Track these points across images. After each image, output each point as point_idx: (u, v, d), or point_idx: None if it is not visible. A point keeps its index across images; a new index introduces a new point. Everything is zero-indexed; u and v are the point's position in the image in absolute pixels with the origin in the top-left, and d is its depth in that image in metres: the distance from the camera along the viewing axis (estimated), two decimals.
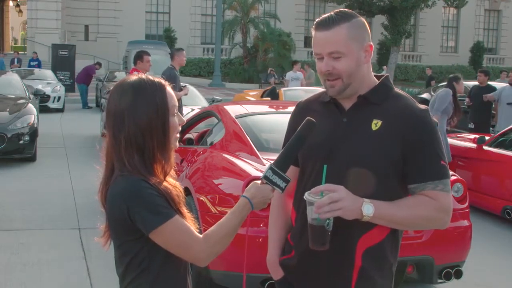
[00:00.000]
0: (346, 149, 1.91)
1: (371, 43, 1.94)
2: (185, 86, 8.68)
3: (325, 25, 1.89)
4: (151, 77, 1.82)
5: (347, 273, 1.92)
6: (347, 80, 1.90)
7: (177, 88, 8.20)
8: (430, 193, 1.86)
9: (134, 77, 1.82)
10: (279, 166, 1.81)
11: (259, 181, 1.83)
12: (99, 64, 20.59)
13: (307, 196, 1.79)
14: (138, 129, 1.74)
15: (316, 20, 1.95)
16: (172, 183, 1.84)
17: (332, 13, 1.92)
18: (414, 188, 1.89)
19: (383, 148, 1.87)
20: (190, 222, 1.79)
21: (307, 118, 1.85)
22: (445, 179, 1.89)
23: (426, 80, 24.56)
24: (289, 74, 16.61)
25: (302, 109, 2.08)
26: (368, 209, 1.79)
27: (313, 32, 1.94)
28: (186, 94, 8.44)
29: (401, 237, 2.03)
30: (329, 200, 1.75)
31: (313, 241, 1.81)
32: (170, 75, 8.16)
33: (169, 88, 1.83)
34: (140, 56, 8.12)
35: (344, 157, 1.90)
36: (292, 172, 2.01)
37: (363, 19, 1.95)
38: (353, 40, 1.88)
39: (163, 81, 1.83)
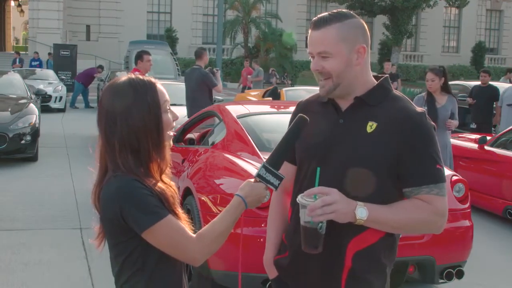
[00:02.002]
0: (341, 151, 1.90)
1: (365, 45, 1.91)
2: (218, 70, 8.75)
3: (317, 24, 1.90)
4: (140, 77, 1.81)
5: (337, 274, 1.91)
6: (336, 80, 1.89)
7: (214, 80, 8.31)
8: (425, 197, 1.84)
9: (123, 77, 1.81)
10: (272, 163, 1.81)
11: (252, 179, 1.83)
12: (102, 67, 20.60)
13: (300, 199, 1.78)
14: (131, 131, 1.74)
15: (313, 19, 1.96)
16: (167, 183, 1.84)
17: (327, 13, 1.93)
18: (409, 192, 1.87)
19: (377, 150, 1.86)
20: (184, 223, 1.78)
21: (299, 115, 1.85)
22: (441, 183, 1.87)
23: None
24: None
25: (302, 109, 2.07)
26: (362, 212, 1.77)
27: (309, 31, 1.95)
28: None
29: (398, 239, 2.02)
30: (322, 203, 1.74)
31: (306, 244, 1.81)
32: (205, 72, 8.30)
33: (159, 85, 1.82)
34: (140, 56, 8.14)
35: (339, 159, 1.89)
36: (290, 170, 2.02)
37: (360, 21, 1.93)
38: (343, 41, 1.87)
39: (153, 79, 1.82)
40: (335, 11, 1.94)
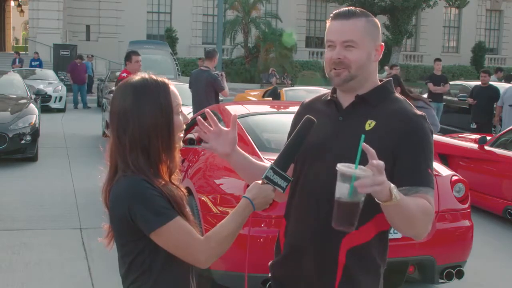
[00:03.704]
0: (338, 147, 1.90)
1: (383, 44, 1.97)
2: (222, 74, 8.73)
3: (344, 15, 1.92)
4: (154, 77, 1.81)
5: (331, 272, 1.91)
6: (355, 72, 1.90)
7: (222, 84, 8.28)
8: (424, 196, 1.83)
9: (137, 77, 1.81)
10: (280, 165, 1.81)
11: (260, 181, 1.83)
12: (80, 57, 20.05)
13: (340, 166, 1.60)
14: (143, 130, 1.74)
15: (334, 12, 1.97)
16: (176, 184, 1.84)
17: (352, 7, 1.97)
18: (406, 191, 1.82)
19: (374, 148, 1.85)
20: (192, 225, 1.78)
21: (306, 116, 1.86)
22: (432, 188, 1.86)
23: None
24: None
25: (305, 109, 2.09)
26: (397, 192, 1.66)
27: (328, 23, 1.96)
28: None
29: (388, 240, 2.01)
30: (372, 173, 1.58)
31: (340, 221, 1.64)
32: (215, 76, 8.23)
33: (172, 87, 1.82)
34: (128, 57, 7.88)
35: (336, 155, 1.88)
36: (290, 169, 2.03)
37: (377, 21, 1.99)
38: (368, 35, 1.91)
39: (166, 80, 1.83)
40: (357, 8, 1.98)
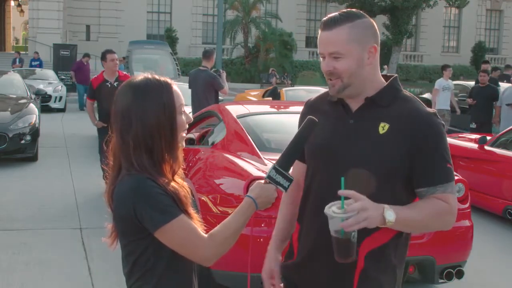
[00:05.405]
0: (353, 152, 1.89)
1: (376, 44, 1.91)
2: (224, 72, 8.70)
3: (328, 25, 1.89)
4: (157, 77, 1.82)
5: (349, 275, 1.91)
6: (347, 80, 1.89)
7: (221, 82, 8.30)
8: (441, 196, 1.85)
9: (140, 77, 1.82)
10: (282, 165, 1.82)
11: (262, 181, 1.84)
12: (87, 55, 19.77)
13: (327, 211, 1.73)
14: (146, 130, 1.75)
15: (322, 20, 1.95)
16: (180, 183, 1.86)
17: (337, 13, 1.92)
18: (424, 192, 1.87)
19: (390, 151, 1.86)
20: (196, 223, 1.79)
21: (308, 117, 1.86)
22: (452, 181, 1.88)
23: None
24: (440, 83, 11.90)
25: (310, 108, 2.08)
26: (390, 215, 1.75)
27: (319, 32, 1.94)
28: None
29: (409, 239, 2.01)
30: (356, 212, 1.71)
31: (339, 254, 1.77)
32: (213, 75, 8.26)
33: (175, 87, 1.83)
34: (103, 57, 7.53)
35: (350, 160, 1.88)
36: (300, 168, 2.03)
37: (370, 20, 1.93)
38: (354, 41, 1.87)
39: (169, 80, 1.83)
40: (343, 11, 1.94)
